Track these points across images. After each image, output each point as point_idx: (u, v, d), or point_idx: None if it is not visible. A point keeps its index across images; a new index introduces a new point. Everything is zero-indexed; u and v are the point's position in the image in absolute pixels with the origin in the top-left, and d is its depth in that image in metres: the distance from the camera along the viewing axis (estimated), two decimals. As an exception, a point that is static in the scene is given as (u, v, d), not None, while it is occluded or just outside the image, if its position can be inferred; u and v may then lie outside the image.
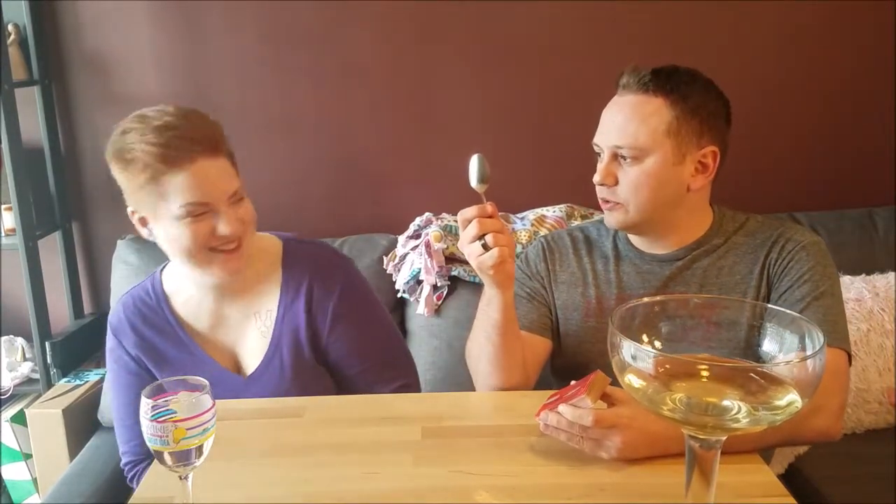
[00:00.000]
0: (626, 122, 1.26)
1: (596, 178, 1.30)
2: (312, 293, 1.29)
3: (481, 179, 1.16)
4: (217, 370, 1.29)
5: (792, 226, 1.35)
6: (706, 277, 1.32)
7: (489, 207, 1.13)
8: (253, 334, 1.32)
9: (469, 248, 1.14)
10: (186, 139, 1.13)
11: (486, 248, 1.12)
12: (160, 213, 1.17)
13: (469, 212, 1.14)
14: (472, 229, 1.12)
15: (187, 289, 1.32)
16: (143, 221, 1.22)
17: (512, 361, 1.26)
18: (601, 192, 1.31)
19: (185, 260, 1.20)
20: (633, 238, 1.39)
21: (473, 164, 1.16)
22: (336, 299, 1.30)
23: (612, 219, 1.32)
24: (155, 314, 1.31)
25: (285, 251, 1.33)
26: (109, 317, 1.36)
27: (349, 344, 1.32)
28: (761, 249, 1.31)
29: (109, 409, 1.77)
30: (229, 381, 1.29)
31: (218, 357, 1.31)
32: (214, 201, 1.17)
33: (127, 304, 1.33)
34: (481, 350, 1.26)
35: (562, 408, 1.03)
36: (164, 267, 1.36)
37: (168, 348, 1.30)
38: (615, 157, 1.28)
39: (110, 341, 1.35)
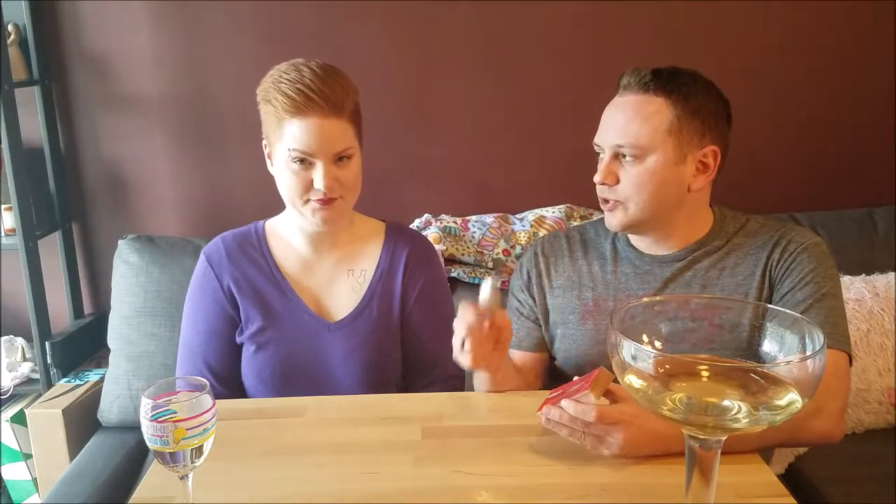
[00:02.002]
0: (627, 122, 1.26)
1: (597, 178, 1.30)
2: (410, 262, 1.43)
3: (486, 303, 1.16)
4: (306, 311, 1.39)
5: (793, 227, 1.35)
6: (708, 279, 1.32)
7: (486, 327, 1.15)
8: (342, 287, 1.42)
9: (454, 340, 1.19)
10: (308, 96, 1.25)
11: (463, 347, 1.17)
12: (277, 152, 1.31)
13: (469, 316, 1.15)
14: (461, 332, 1.16)
15: (286, 236, 1.43)
16: (270, 156, 1.36)
17: (512, 385, 1.30)
18: (602, 191, 1.32)
19: (289, 200, 1.33)
20: (632, 239, 1.39)
21: (484, 287, 1.17)
22: (428, 274, 1.45)
23: (612, 220, 1.32)
24: (254, 249, 1.43)
25: (389, 227, 1.48)
26: (205, 248, 1.45)
27: (426, 315, 1.44)
28: (763, 251, 1.31)
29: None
30: (315, 323, 1.39)
31: (305, 300, 1.40)
32: (316, 154, 1.27)
33: (226, 238, 1.45)
34: (478, 385, 1.31)
35: (564, 403, 1.03)
36: (265, 220, 1.48)
37: (262, 282, 1.40)
38: (616, 156, 1.29)
39: (201, 268, 1.42)
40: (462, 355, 1.17)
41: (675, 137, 1.26)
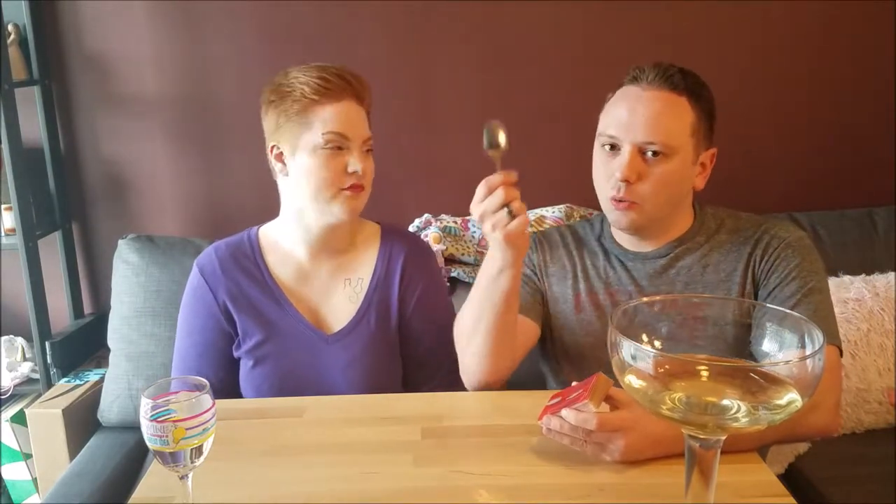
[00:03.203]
0: (657, 118, 1.22)
1: (622, 174, 1.22)
2: (407, 269, 1.40)
3: (490, 145, 1.12)
4: (302, 323, 1.37)
5: (776, 222, 1.33)
6: (691, 276, 1.31)
7: (514, 175, 1.08)
8: (339, 297, 1.39)
9: (494, 218, 1.08)
10: (341, 79, 1.27)
11: (511, 216, 1.07)
12: (301, 143, 1.27)
13: (495, 179, 1.08)
14: (498, 197, 1.07)
15: (282, 243, 1.40)
16: (280, 157, 1.32)
17: (505, 345, 1.22)
18: (618, 188, 1.24)
19: (316, 193, 1.29)
20: (618, 236, 1.38)
21: (486, 131, 1.11)
22: (426, 279, 1.42)
23: (625, 219, 1.27)
24: (248, 259, 1.40)
25: (384, 230, 1.45)
26: (198, 259, 1.41)
27: (426, 321, 1.41)
28: (745, 247, 1.30)
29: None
30: (312, 335, 1.37)
31: (302, 311, 1.38)
32: (352, 138, 1.28)
33: (219, 248, 1.41)
34: (477, 325, 1.20)
35: (565, 412, 1.03)
36: (258, 227, 1.44)
37: (257, 293, 1.37)
38: (640, 152, 1.23)
39: (195, 280, 1.40)
40: (514, 224, 1.06)
41: (694, 138, 1.25)
